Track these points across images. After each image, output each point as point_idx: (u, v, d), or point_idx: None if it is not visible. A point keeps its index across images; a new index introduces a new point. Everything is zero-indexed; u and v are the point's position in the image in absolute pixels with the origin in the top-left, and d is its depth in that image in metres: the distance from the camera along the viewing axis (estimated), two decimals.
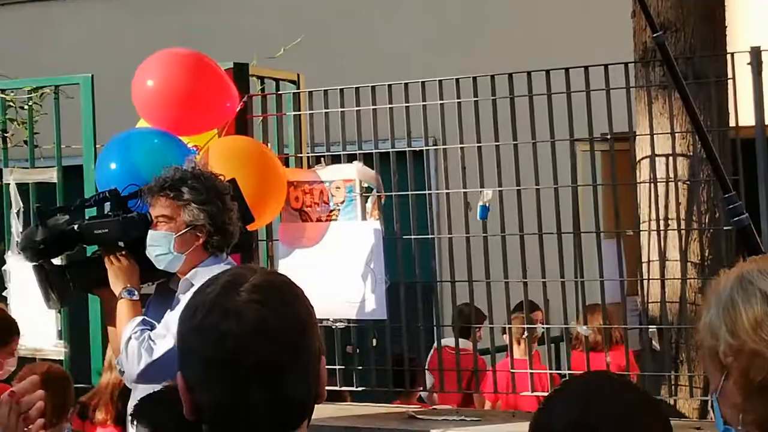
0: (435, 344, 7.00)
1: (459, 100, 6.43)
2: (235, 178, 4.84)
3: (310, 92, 6.96)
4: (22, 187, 6.89)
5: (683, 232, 6.35)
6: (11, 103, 7.55)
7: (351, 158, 6.57)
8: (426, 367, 7.51)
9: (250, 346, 1.56)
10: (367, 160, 6.51)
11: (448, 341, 7.25)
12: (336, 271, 6.23)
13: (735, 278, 1.79)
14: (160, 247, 4.36)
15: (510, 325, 6.93)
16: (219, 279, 1.76)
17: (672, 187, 6.30)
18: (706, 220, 6.59)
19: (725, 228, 5.84)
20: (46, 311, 5.72)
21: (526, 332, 6.54)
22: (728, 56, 6.34)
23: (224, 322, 1.55)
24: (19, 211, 6.73)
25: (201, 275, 4.07)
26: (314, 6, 12.67)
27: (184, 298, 4.31)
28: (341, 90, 6.75)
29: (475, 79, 6.48)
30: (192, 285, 4.13)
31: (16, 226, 6.65)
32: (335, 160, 6.62)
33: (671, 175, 6.42)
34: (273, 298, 1.64)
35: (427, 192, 7.27)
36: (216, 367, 1.60)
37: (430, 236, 7.18)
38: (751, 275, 1.73)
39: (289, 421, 1.65)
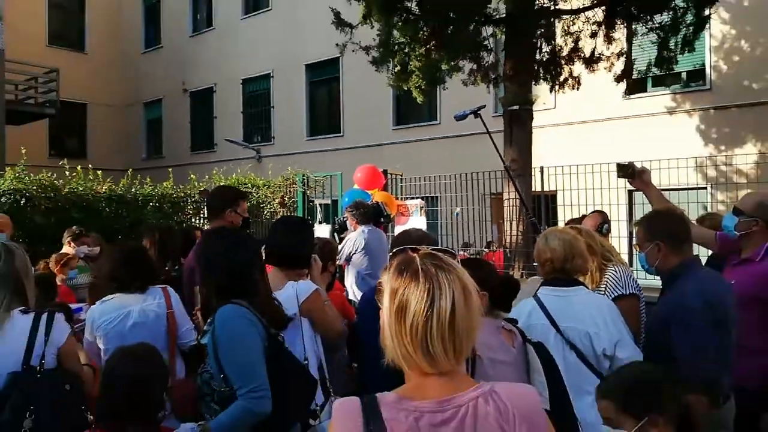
0: None
1: None
2: (379, 202, 5.78)
3: (407, 178, 7.91)
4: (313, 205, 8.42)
5: None
6: (311, 180, 8.83)
7: (414, 198, 7.59)
8: None
9: None
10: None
11: None
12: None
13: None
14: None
15: None
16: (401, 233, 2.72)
17: None
18: None
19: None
20: None
21: None
22: None
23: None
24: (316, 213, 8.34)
25: (365, 233, 4.92)
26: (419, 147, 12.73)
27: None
28: (417, 177, 7.92)
29: None
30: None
31: (319, 217, 8.21)
32: (411, 199, 7.56)
33: None
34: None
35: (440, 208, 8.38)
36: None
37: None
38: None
39: None
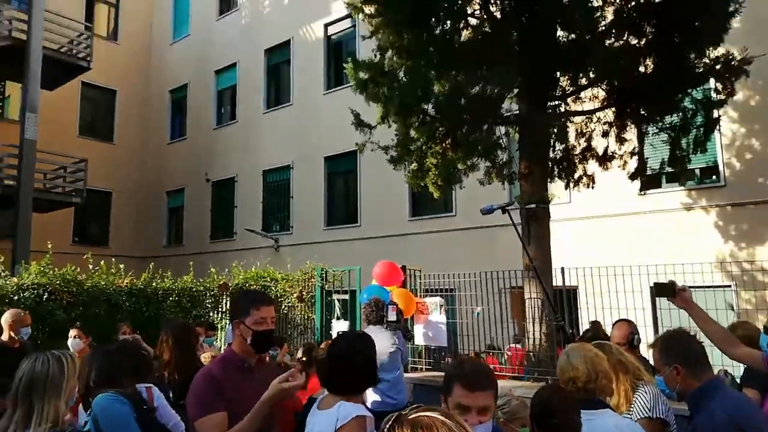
0: None
1: None
2: (387, 304, 5.37)
3: (425, 274, 7.95)
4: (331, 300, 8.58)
5: None
6: (329, 274, 8.81)
7: (434, 295, 7.56)
8: None
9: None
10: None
11: None
12: (430, 327, 7.22)
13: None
14: None
15: None
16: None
17: None
18: None
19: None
20: None
21: None
22: None
23: None
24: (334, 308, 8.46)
25: (371, 332, 4.38)
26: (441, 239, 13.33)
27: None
28: (435, 274, 7.76)
29: None
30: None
31: (337, 312, 8.25)
32: (431, 296, 7.52)
33: None
34: None
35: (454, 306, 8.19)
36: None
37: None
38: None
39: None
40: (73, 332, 5.40)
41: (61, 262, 8.49)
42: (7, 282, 7.70)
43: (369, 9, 7.92)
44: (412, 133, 7.94)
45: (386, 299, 5.89)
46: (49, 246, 8.62)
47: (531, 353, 6.85)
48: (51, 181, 15.46)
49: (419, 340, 7.54)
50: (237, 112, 18.26)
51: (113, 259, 9.32)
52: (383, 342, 4.95)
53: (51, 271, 8.13)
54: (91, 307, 8.10)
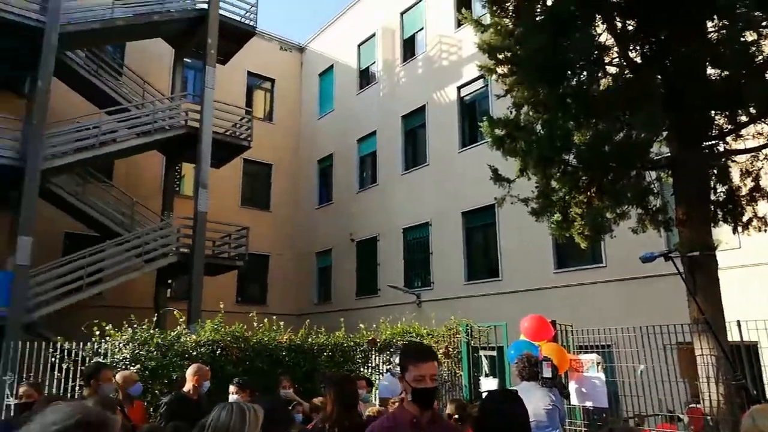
0: None
1: None
2: (541, 361, 5.23)
3: (577, 329, 7.72)
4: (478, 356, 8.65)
5: None
6: (474, 330, 8.99)
7: (589, 352, 7.23)
8: None
9: None
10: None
11: None
12: (586, 384, 6.85)
13: None
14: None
15: None
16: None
17: None
18: None
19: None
20: None
21: None
22: None
23: None
24: (482, 365, 8.65)
25: (525, 389, 4.82)
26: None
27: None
28: (589, 330, 7.53)
29: None
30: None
31: (485, 369, 8.28)
32: (585, 353, 7.25)
33: None
34: None
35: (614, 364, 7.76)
36: None
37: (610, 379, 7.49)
38: None
39: None
40: (232, 388, 5.69)
41: (227, 321, 9.27)
42: (188, 339, 8.55)
43: (502, 69, 8.03)
44: (554, 183, 7.73)
45: (536, 355, 5.75)
46: (221, 306, 9.49)
47: (708, 417, 6.12)
48: (218, 248, 17.15)
49: (574, 399, 7.09)
50: (377, 176, 19.25)
51: (274, 317, 10.00)
52: (539, 399, 4.82)
53: (222, 329, 8.88)
54: (255, 361, 8.71)
